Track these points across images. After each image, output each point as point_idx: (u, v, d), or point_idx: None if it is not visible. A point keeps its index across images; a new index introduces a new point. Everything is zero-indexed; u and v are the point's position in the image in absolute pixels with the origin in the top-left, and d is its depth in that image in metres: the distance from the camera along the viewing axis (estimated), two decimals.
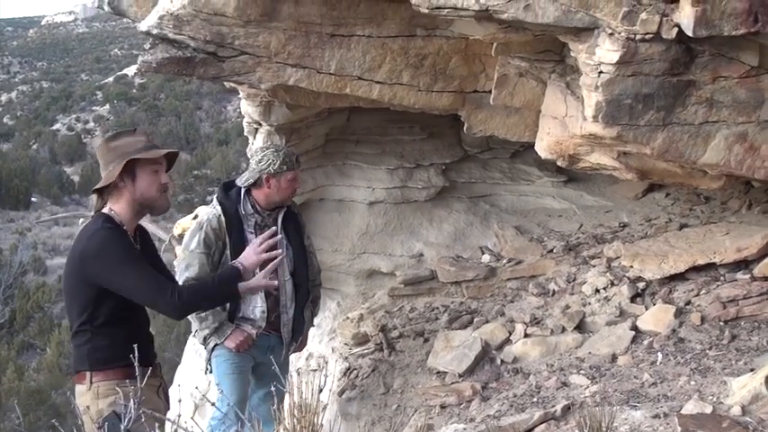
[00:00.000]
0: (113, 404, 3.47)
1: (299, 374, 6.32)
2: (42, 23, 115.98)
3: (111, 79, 72.74)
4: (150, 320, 4.00)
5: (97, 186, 3.76)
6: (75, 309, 3.70)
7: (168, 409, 3.88)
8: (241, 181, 5.23)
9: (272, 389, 3.17)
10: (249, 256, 3.97)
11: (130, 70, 72.85)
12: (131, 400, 2.58)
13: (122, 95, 66.44)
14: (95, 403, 3.56)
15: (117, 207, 3.72)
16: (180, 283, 4.93)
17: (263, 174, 5.11)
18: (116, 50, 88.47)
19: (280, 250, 4.12)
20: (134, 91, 68.49)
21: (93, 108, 66.58)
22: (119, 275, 3.58)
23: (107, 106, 65.84)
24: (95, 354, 3.64)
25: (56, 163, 55.03)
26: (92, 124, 63.79)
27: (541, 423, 4.53)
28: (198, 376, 7.61)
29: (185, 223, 5.87)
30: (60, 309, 33.83)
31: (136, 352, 3.05)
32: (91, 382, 3.62)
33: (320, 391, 2.87)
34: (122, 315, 3.65)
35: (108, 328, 3.64)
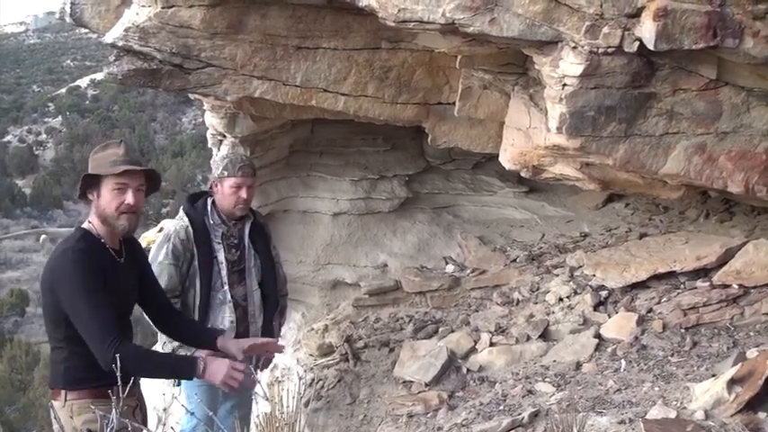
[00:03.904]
0: (87, 422, 3.43)
1: (269, 386, 6.30)
2: None
3: (63, 90, 71.91)
4: (133, 334, 3.92)
5: (76, 198, 3.72)
6: (50, 324, 3.63)
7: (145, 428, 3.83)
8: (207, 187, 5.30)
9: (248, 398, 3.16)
10: (219, 371, 3.62)
11: (83, 81, 72.12)
12: (114, 412, 2.56)
13: (75, 107, 65.73)
14: (69, 421, 3.50)
15: (94, 220, 3.65)
16: None
17: (212, 180, 5.16)
18: (68, 61, 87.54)
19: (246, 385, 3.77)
20: (87, 102, 67.81)
21: (46, 120, 65.80)
22: (72, 306, 3.47)
23: (59, 118, 65.10)
24: (71, 373, 3.58)
25: (7, 175, 54.27)
26: (44, 136, 63.03)
27: (509, 430, 4.58)
28: (160, 389, 7.56)
29: (150, 236, 5.84)
30: (12, 323, 33.38)
31: (118, 370, 2.97)
32: (65, 400, 3.57)
33: (300, 398, 2.88)
34: None
35: (83, 348, 3.53)
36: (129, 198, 3.60)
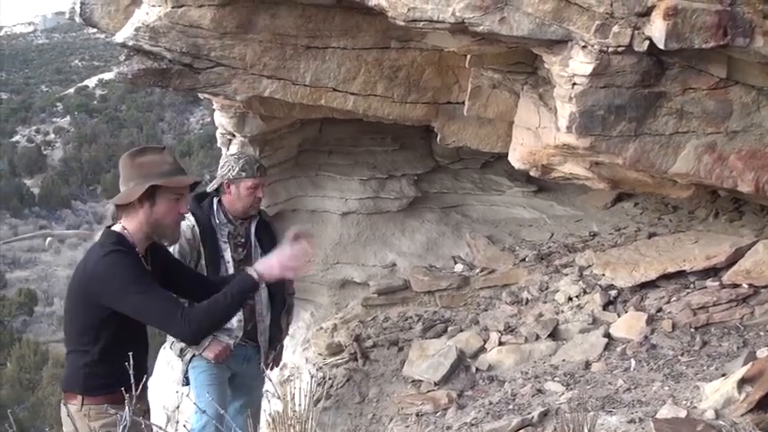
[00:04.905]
0: (106, 426, 3.42)
1: (281, 384, 6.32)
2: (1, 34, 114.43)
3: (71, 90, 72.04)
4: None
5: (115, 203, 3.59)
6: (75, 328, 3.60)
7: None
8: (210, 187, 5.28)
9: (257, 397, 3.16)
10: (272, 267, 3.68)
11: (91, 81, 72.24)
12: (127, 408, 2.56)
13: (83, 107, 65.84)
14: (86, 425, 3.48)
15: (130, 226, 3.57)
16: None
17: (223, 180, 5.16)
18: (76, 62, 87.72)
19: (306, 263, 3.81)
20: (95, 102, 67.94)
21: (54, 120, 65.92)
22: (129, 299, 3.43)
23: (68, 118, 65.21)
24: (91, 379, 3.56)
25: (15, 175, 54.36)
26: (52, 136, 63.14)
27: (519, 429, 4.59)
28: (170, 388, 7.58)
29: None
30: (21, 322, 33.42)
31: (132, 378, 2.92)
32: (82, 405, 3.55)
33: (312, 396, 2.89)
34: (124, 339, 3.51)
35: (108, 355, 3.51)
36: (184, 208, 3.65)
